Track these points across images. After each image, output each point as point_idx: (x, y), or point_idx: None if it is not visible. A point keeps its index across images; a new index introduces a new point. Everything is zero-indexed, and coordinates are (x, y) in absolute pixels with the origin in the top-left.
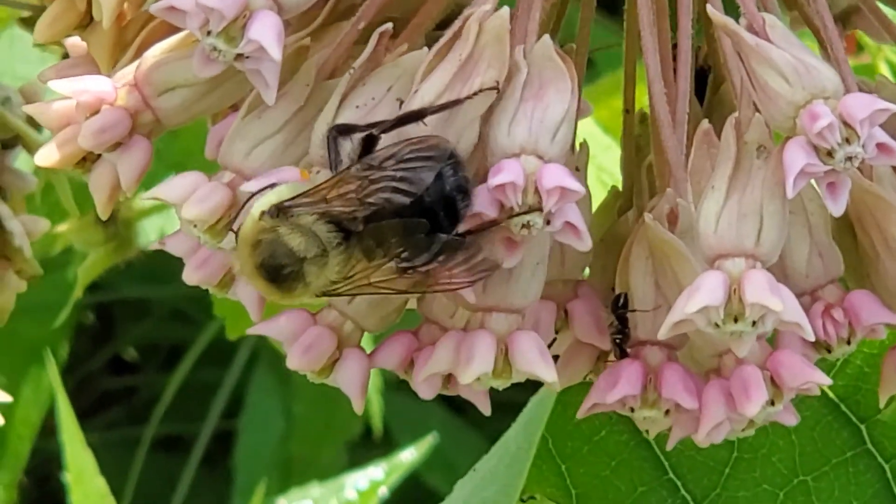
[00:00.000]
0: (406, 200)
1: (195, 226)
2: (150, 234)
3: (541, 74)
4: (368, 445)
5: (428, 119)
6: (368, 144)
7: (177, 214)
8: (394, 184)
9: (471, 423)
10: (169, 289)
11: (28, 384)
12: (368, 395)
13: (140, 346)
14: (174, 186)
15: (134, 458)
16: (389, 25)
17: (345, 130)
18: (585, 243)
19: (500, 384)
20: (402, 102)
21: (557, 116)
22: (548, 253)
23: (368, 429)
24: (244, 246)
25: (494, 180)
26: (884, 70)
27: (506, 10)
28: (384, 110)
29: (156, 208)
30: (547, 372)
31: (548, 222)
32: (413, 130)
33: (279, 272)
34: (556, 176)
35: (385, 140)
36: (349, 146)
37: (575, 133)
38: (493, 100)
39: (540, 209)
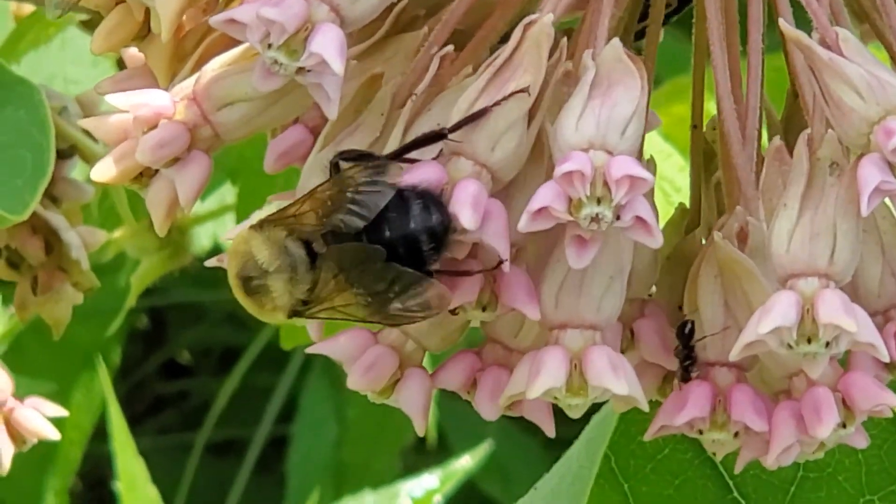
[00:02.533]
0: (360, 223)
1: None
2: (203, 239)
3: (609, 75)
4: (423, 452)
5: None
6: None
7: None
8: (349, 205)
9: (526, 430)
10: (223, 293)
11: (80, 389)
12: None
13: (193, 351)
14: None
15: (187, 462)
16: (450, 48)
17: (350, 158)
18: (657, 240)
19: (581, 402)
20: None
21: (627, 112)
22: (626, 267)
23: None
24: (231, 256)
25: (561, 168)
26: None
27: (549, 16)
28: None
29: (210, 214)
30: (619, 385)
31: (617, 217)
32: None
33: (248, 283)
34: (624, 165)
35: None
36: None
37: (642, 148)
38: (528, 105)
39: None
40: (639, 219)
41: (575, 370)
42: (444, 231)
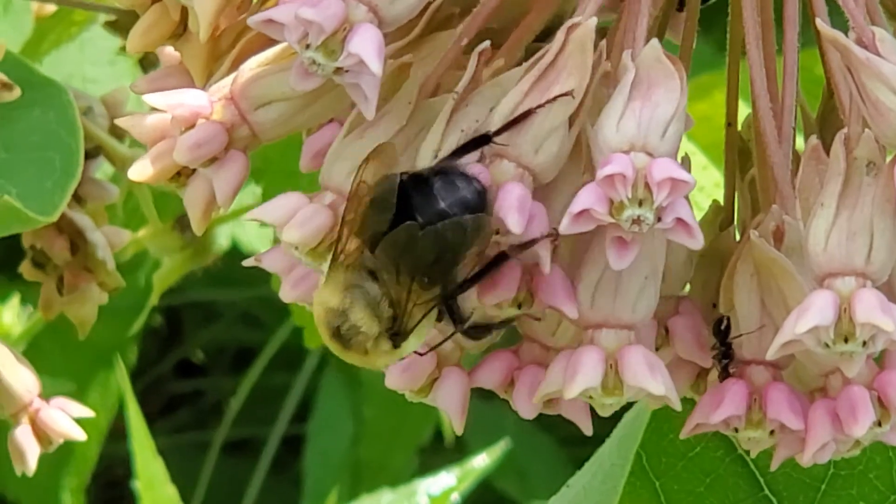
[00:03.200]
0: (389, 214)
1: (296, 248)
2: (222, 239)
3: (649, 76)
4: (440, 450)
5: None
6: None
7: (278, 235)
8: (371, 206)
9: (543, 428)
10: (238, 292)
11: (96, 388)
12: None
13: (208, 350)
14: (276, 208)
15: (202, 461)
16: (487, 44)
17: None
18: (698, 241)
19: (615, 401)
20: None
21: (667, 114)
22: (660, 267)
23: (439, 433)
24: (319, 328)
25: (603, 171)
26: None
27: (593, 20)
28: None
29: (231, 214)
30: (655, 385)
31: (658, 219)
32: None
33: (339, 334)
34: (666, 168)
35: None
36: None
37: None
38: (572, 109)
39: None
40: (680, 220)
41: (611, 370)
42: (477, 199)
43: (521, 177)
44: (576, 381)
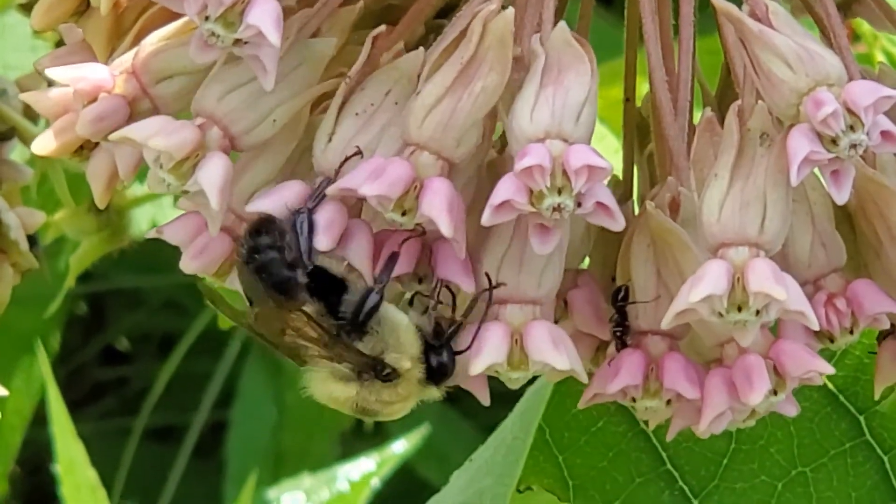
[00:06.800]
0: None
1: (161, 165)
2: (141, 223)
3: (559, 60)
4: (360, 436)
5: (426, 123)
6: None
7: (146, 157)
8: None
9: (464, 414)
10: (161, 278)
11: (19, 374)
12: None
13: (132, 336)
14: (143, 126)
15: (125, 448)
16: (383, 28)
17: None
18: (619, 223)
19: (521, 375)
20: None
21: (580, 98)
22: (564, 242)
23: (360, 420)
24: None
25: (521, 164)
26: (880, 59)
27: (511, 11)
28: (384, 116)
29: (148, 197)
30: (560, 360)
31: (579, 204)
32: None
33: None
34: (583, 155)
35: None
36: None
37: None
38: (493, 103)
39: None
40: (600, 204)
41: (516, 345)
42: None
43: (443, 170)
44: (481, 358)
